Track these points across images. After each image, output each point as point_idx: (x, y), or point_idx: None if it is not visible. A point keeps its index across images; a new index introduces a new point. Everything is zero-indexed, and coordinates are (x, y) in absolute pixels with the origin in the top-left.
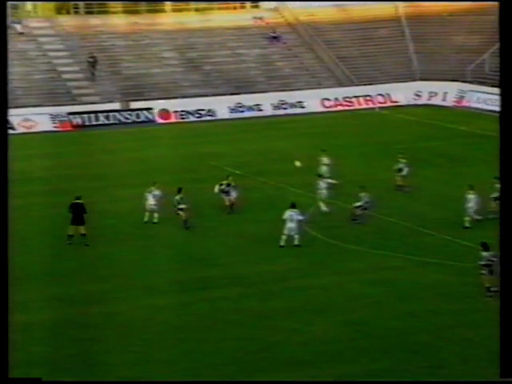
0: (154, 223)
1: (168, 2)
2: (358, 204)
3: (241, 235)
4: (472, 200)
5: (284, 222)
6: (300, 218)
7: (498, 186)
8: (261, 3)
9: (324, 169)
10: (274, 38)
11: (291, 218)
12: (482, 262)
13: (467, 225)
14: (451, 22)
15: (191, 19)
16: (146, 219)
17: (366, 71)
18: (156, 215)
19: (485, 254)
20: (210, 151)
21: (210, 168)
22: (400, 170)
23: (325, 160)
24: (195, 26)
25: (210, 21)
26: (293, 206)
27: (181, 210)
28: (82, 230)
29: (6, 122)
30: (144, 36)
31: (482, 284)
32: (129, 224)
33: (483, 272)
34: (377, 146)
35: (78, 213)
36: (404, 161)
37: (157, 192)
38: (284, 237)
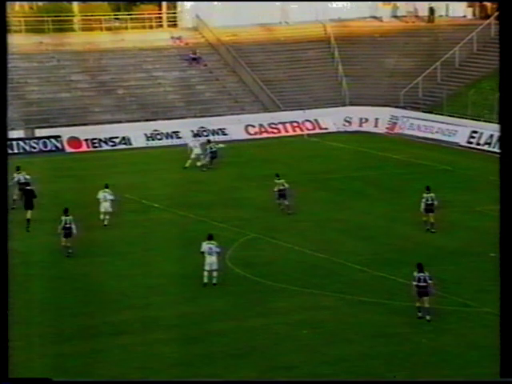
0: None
1: (76, 20)
2: None
3: (159, 274)
4: None
5: (203, 255)
6: (218, 250)
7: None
8: (179, 22)
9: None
10: (194, 59)
11: (210, 251)
12: (414, 283)
13: None
14: (383, 44)
15: (103, 39)
16: (101, 217)
17: (293, 95)
18: (108, 217)
19: (418, 274)
20: (125, 182)
21: (125, 201)
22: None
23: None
24: (107, 47)
25: (123, 41)
26: (210, 238)
27: (67, 230)
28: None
29: (6, 126)
30: (50, 57)
31: (415, 303)
32: (34, 263)
33: (415, 292)
34: (305, 176)
35: (28, 197)
36: (282, 181)
37: (110, 196)
38: (206, 273)
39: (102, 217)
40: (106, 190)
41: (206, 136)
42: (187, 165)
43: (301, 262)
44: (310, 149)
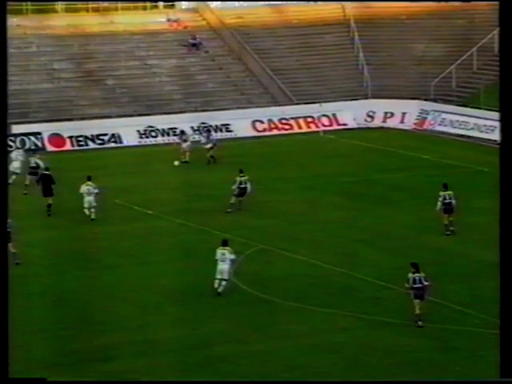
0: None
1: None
2: None
3: (154, 290)
4: None
5: (216, 262)
6: (232, 257)
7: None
8: (177, 3)
9: None
10: (194, 45)
11: (222, 257)
12: (407, 285)
13: None
14: (410, 27)
15: (89, 21)
16: (87, 213)
17: (308, 87)
18: (93, 210)
19: (413, 275)
20: (115, 186)
21: (115, 207)
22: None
23: None
24: (94, 31)
25: (112, 24)
26: (224, 244)
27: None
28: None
29: (6, 125)
30: (29, 42)
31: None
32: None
33: (411, 295)
34: (321, 179)
35: (46, 184)
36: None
37: (94, 189)
38: (217, 281)
39: (86, 212)
40: (89, 182)
41: (208, 132)
42: (187, 158)
43: (316, 277)
44: (326, 148)
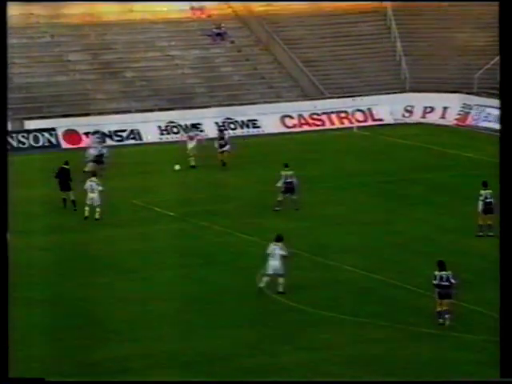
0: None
1: None
2: None
3: (173, 298)
4: None
5: (267, 258)
6: (284, 253)
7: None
8: None
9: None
10: (219, 34)
11: (274, 253)
12: (435, 282)
13: None
14: (452, 14)
15: (106, 9)
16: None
17: (341, 79)
18: (98, 209)
19: (439, 273)
20: (133, 186)
21: (133, 208)
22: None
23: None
24: (112, 19)
25: (131, 12)
26: (278, 239)
27: None
28: (71, 195)
29: (6, 125)
30: (42, 32)
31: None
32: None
33: (435, 294)
34: (354, 178)
35: (63, 179)
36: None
37: (98, 186)
38: (265, 278)
39: (86, 211)
40: (93, 178)
41: (233, 129)
42: (192, 162)
43: (350, 284)
44: (360, 145)
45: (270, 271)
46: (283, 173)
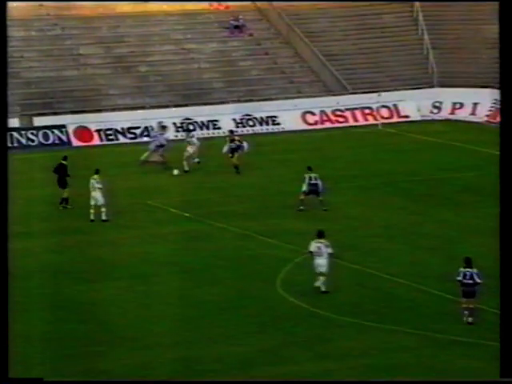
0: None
1: None
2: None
3: (191, 303)
4: None
5: (311, 256)
6: (329, 251)
7: None
8: None
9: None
10: (237, 27)
11: (318, 251)
12: (459, 278)
13: None
14: (483, 5)
15: (120, 1)
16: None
17: (365, 74)
18: (103, 209)
19: (464, 270)
20: (148, 185)
21: (148, 209)
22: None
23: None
24: (125, 11)
25: (146, 3)
26: (319, 235)
27: None
28: (65, 193)
29: (6, 124)
30: (53, 24)
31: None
32: (30, 288)
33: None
34: (379, 178)
35: (61, 175)
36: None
37: (98, 184)
38: (319, 277)
39: (91, 211)
40: (95, 176)
41: (252, 126)
42: (186, 167)
43: (374, 289)
44: (385, 143)
45: (317, 270)
46: (307, 175)
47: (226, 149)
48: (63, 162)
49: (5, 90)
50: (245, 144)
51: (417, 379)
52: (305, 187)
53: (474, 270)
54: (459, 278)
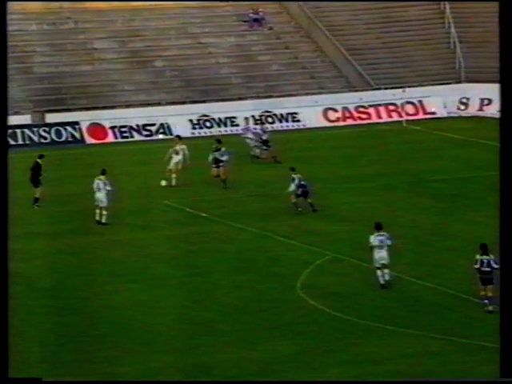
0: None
1: None
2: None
3: (207, 306)
4: None
5: (371, 250)
6: (390, 243)
7: None
8: None
9: None
10: (256, 20)
11: (381, 243)
12: (476, 266)
13: None
14: None
15: None
16: (97, 217)
17: (389, 69)
18: (105, 212)
19: (481, 257)
20: (164, 184)
21: (164, 209)
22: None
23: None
24: (141, 4)
25: None
26: (378, 227)
27: None
28: (37, 192)
29: (7, 124)
30: (66, 18)
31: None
32: (38, 289)
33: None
34: (404, 177)
35: (34, 173)
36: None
37: (104, 186)
38: (379, 272)
39: (97, 215)
40: (101, 177)
41: (271, 123)
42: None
43: (398, 291)
44: (410, 140)
45: (377, 264)
46: (295, 176)
47: (210, 158)
48: (39, 160)
49: (5, 90)
50: (227, 155)
51: None
52: (293, 187)
53: (491, 257)
54: (477, 266)
